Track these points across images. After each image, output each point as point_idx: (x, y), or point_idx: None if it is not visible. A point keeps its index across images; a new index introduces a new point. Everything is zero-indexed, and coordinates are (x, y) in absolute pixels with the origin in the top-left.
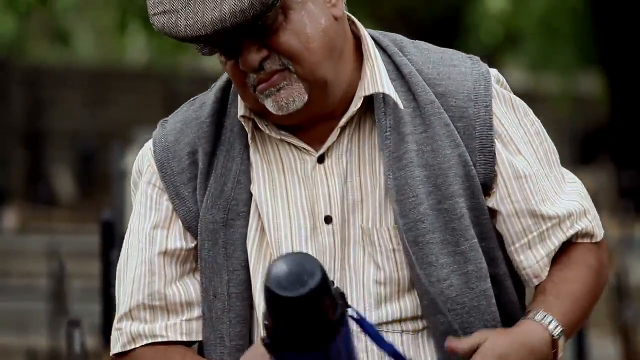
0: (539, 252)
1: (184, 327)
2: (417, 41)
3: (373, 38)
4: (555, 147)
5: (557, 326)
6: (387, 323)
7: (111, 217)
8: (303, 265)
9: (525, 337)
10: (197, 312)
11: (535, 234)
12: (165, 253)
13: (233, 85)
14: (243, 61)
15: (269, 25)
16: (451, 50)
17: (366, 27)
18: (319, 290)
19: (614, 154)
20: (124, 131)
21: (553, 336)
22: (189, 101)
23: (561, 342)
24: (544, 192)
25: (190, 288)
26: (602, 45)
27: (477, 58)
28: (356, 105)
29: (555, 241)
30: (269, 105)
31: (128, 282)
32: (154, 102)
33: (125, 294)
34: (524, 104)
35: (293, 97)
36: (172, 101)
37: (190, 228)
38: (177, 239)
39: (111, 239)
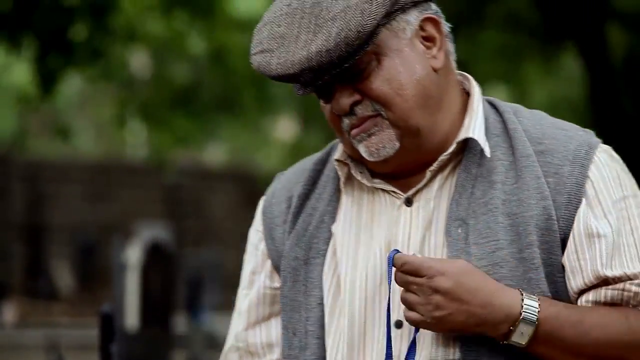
0: (588, 296)
1: None
2: (536, 110)
3: (491, 101)
4: None
5: (534, 311)
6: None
7: (110, 309)
8: None
9: (495, 291)
10: (276, 354)
11: (593, 292)
12: (256, 295)
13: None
14: (334, 104)
15: (361, 69)
16: (569, 123)
17: None
18: None
19: None
20: (124, 225)
21: (520, 314)
22: None
23: (523, 327)
24: (619, 257)
25: (272, 330)
26: (603, 139)
27: (592, 132)
28: (448, 150)
29: (608, 293)
30: (362, 150)
31: (230, 327)
32: (154, 196)
33: (227, 338)
34: (638, 189)
35: (383, 143)
36: (172, 195)
37: (277, 267)
38: (266, 279)
39: (111, 332)
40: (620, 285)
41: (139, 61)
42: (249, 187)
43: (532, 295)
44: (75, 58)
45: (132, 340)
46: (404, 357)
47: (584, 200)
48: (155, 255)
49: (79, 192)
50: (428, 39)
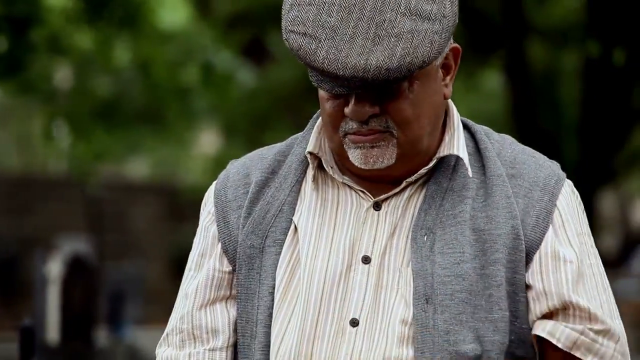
0: (545, 327)
1: (206, 356)
2: (504, 134)
3: (463, 121)
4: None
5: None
6: None
7: (31, 323)
8: None
9: None
10: (220, 341)
11: (559, 317)
12: (204, 278)
13: (305, 129)
14: (353, 110)
15: (394, 88)
16: (536, 151)
17: None
18: None
19: None
20: (45, 238)
21: None
22: None
23: None
24: (582, 285)
25: (217, 314)
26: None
27: (558, 164)
28: (428, 165)
29: (577, 327)
30: (354, 155)
31: (173, 310)
32: (75, 210)
33: (169, 320)
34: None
35: (383, 157)
36: (93, 208)
37: (227, 252)
38: (215, 262)
39: (31, 346)
40: (580, 328)
41: (62, 74)
42: (171, 200)
43: None
44: None
45: (53, 354)
46: (357, 356)
47: (550, 227)
48: (76, 269)
49: None
50: (445, 67)
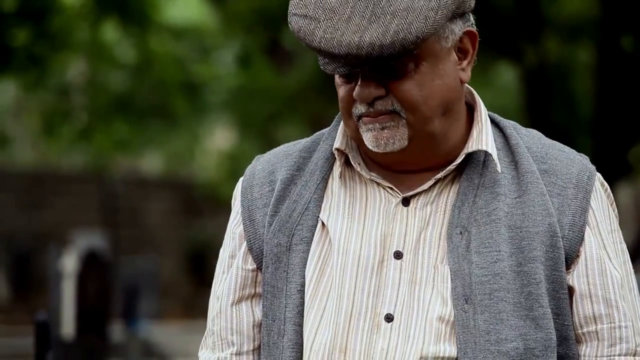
0: (603, 349)
1: None
2: (531, 129)
3: (490, 116)
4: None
5: None
6: (442, 358)
7: (46, 318)
8: None
9: None
10: (246, 345)
11: (605, 326)
12: (233, 278)
13: (330, 126)
14: (359, 91)
15: (398, 67)
16: (564, 145)
17: None
18: None
19: None
20: (60, 233)
21: None
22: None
23: None
24: (626, 293)
25: (243, 316)
26: None
27: (587, 157)
28: (457, 160)
29: (624, 346)
30: (367, 138)
31: (208, 311)
32: (90, 204)
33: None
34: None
35: (394, 139)
36: (108, 203)
37: (252, 249)
38: (240, 260)
39: (46, 340)
40: (633, 332)
41: (75, 69)
42: (185, 195)
43: None
44: (14, 64)
45: (68, 348)
46: (393, 352)
47: (587, 227)
48: (91, 264)
49: (14, 200)
50: (462, 50)
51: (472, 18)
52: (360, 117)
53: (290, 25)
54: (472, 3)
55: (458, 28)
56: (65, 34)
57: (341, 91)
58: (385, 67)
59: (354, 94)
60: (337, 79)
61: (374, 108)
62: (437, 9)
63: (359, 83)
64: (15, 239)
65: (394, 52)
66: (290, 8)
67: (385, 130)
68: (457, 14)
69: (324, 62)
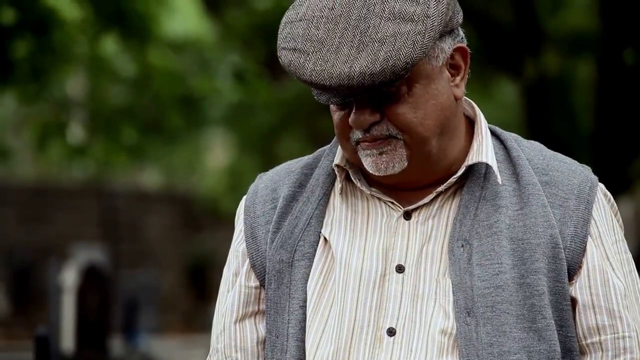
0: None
1: None
2: (533, 140)
3: (491, 128)
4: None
5: None
6: None
7: (46, 332)
8: None
9: None
10: None
11: (609, 336)
12: (236, 296)
13: (331, 142)
14: (354, 119)
15: (391, 92)
16: (566, 156)
17: None
18: None
19: None
20: (60, 247)
21: None
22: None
23: None
24: (630, 303)
25: (247, 333)
26: None
27: (589, 168)
28: (457, 173)
29: (628, 357)
30: (367, 163)
31: (212, 329)
32: (90, 219)
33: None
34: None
35: (393, 162)
36: (108, 217)
37: (255, 266)
38: (242, 278)
39: (46, 355)
40: (637, 342)
41: (75, 82)
42: (185, 209)
43: None
44: (14, 77)
45: None
46: None
47: (589, 238)
48: (91, 278)
49: (14, 214)
50: (454, 67)
51: (461, 32)
52: (357, 142)
53: (280, 60)
54: (460, 18)
55: (447, 46)
56: (66, 48)
57: (336, 118)
58: (378, 93)
59: (350, 121)
60: (332, 106)
61: (370, 133)
62: (424, 33)
63: (353, 110)
64: (15, 253)
65: (385, 79)
66: (279, 42)
67: (384, 155)
68: (446, 32)
69: (317, 93)
